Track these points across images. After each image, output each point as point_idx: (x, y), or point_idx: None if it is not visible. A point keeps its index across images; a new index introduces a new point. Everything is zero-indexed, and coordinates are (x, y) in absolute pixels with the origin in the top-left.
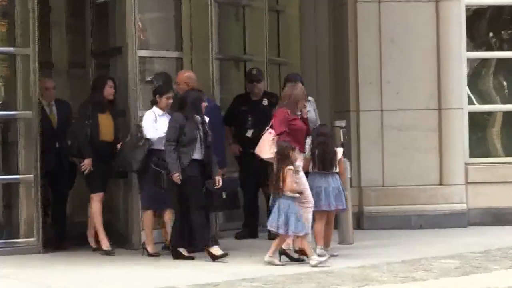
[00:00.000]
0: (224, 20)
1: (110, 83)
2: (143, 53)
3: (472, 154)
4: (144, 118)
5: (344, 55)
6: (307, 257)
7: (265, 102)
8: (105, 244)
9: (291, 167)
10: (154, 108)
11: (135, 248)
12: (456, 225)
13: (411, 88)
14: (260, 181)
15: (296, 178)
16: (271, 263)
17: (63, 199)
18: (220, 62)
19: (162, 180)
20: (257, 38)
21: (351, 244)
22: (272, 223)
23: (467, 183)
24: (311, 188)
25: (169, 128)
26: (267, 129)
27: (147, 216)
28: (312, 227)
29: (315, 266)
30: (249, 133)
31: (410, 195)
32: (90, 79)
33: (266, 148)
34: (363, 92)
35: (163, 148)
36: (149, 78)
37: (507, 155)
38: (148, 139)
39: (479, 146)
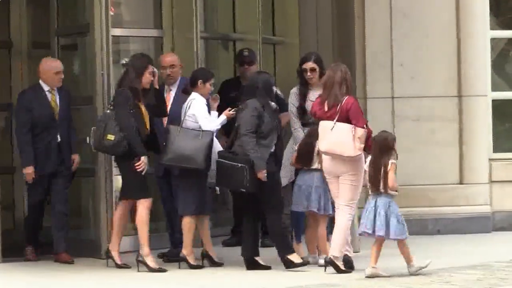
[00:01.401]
0: None
1: (150, 69)
2: (116, 31)
3: (497, 149)
4: (196, 107)
5: (349, 33)
6: (409, 264)
7: None
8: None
9: (394, 160)
10: (197, 94)
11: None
12: (479, 230)
13: (427, 71)
14: None
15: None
16: (375, 276)
17: (64, 199)
18: (206, 42)
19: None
20: (249, 14)
21: (358, 252)
22: (367, 224)
23: (492, 182)
24: (307, 187)
25: (248, 117)
26: (334, 123)
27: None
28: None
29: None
30: None
31: (426, 196)
32: (99, 60)
33: (350, 144)
34: (372, 76)
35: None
36: (124, 61)
37: None
38: (206, 132)
39: (505, 139)
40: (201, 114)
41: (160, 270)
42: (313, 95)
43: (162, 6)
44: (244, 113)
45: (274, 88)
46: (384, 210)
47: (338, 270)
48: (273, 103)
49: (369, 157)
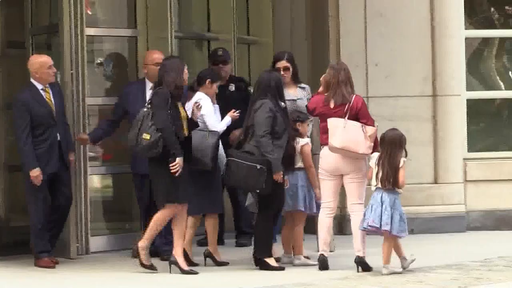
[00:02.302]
0: None
1: (186, 68)
2: (90, 31)
3: (471, 148)
4: (204, 108)
5: (324, 32)
6: (385, 265)
7: (232, 87)
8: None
9: (405, 158)
10: (203, 94)
11: (72, 257)
12: (454, 230)
13: (402, 71)
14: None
15: None
16: (392, 273)
17: (66, 202)
18: (180, 41)
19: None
20: (223, 13)
21: (332, 252)
22: (375, 219)
23: (466, 181)
24: (291, 186)
25: (264, 118)
26: (345, 121)
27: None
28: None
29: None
30: None
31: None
32: (68, 59)
33: (363, 142)
34: None
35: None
36: (99, 60)
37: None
38: (212, 132)
39: (480, 138)
40: (210, 114)
41: (191, 272)
42: (286, 93)
43: (136, 6)
44: (258, 113)
45: (251, 88)
46: (390, 206)
47: (369, 269)
48: (282, 103)
49: (375, 154)
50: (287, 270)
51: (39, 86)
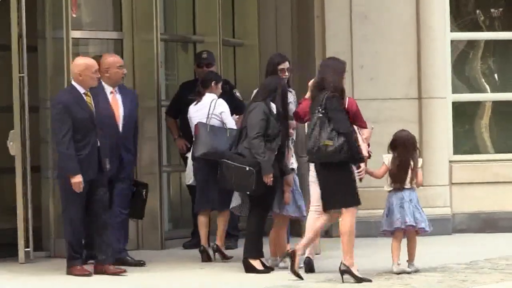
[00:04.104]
0: None
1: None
2: (76, 33)
3: (457, 151)
4: (224, 106)
5: (309, 34)
6: (411, 262)
7: None
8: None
9: (421, 158)
10: (214, 95)
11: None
12: (439, 232)
13: (387, 73)
14: None
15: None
16: (402, 272)
17: (106, 207)
18: (166, 44)
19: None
20: (209, 16)
21: (318, 254)
22: (409, 219)
23: (451, 183)
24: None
25: (258, 121)
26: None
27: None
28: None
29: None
30: None
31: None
32: (17, 63)
33: (362, 145)
34: None
35: None
36: None
37: (497, 152)
38: (231, 129)
39: (465, 141)
40: (228, 112)
41: (365, 279)
42: None
43: (122, 8)
44: (252, 115)
45: (236, 91)
46: (418, 204)
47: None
48: (280, 109)
49: (389, 155)
50: (272, 272)
51: (81, 90)
